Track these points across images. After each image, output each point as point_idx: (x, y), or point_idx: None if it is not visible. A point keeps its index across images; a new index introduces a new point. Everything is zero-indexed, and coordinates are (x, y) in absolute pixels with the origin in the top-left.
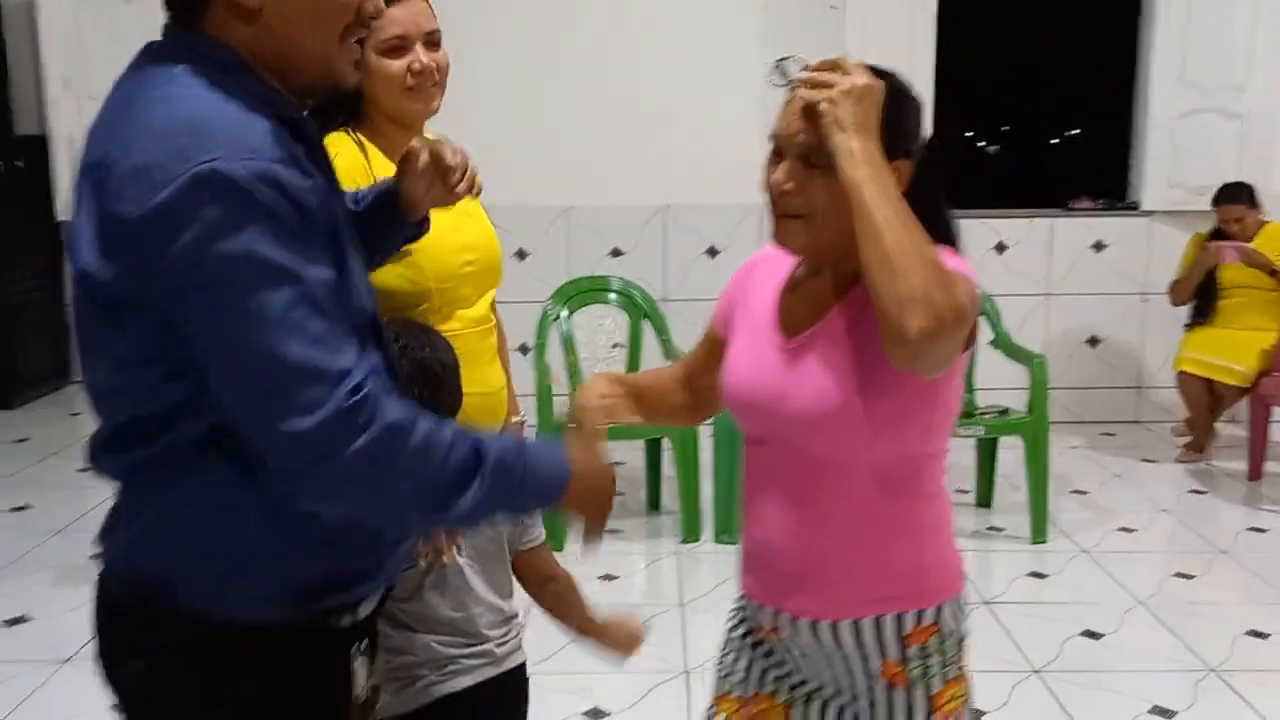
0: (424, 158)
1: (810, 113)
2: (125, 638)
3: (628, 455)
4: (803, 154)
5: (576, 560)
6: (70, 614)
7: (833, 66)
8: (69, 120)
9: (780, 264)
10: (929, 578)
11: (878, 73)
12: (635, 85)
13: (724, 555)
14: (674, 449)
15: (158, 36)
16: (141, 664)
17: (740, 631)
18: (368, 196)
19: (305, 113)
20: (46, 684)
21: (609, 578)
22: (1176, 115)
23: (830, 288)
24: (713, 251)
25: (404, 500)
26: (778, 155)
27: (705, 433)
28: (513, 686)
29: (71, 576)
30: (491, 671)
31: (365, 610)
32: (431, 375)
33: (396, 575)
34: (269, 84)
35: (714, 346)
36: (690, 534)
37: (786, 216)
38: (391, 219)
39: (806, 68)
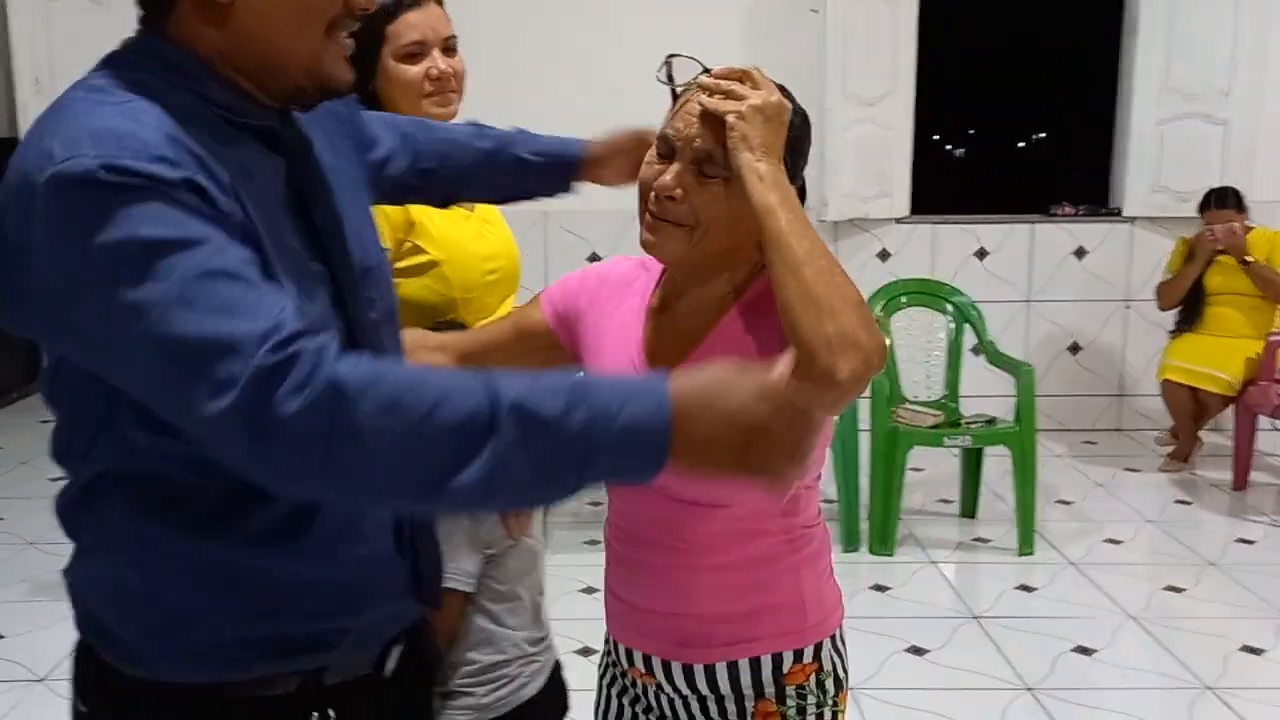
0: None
1: (712, 121)
2: (78, 682)
3: None
4: (697, 160)
5: None
6: (43, 631)
7: (742, 77)
8: None
9: (632, 286)
10: (806, 615)
11: (782, 91)
12: (616, 88)
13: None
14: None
15: (127, 37)
16: (84, 713)
17: (609, 678)
18: (546, 146)
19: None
20: (18, 706)
21: (590, 590)
22: (1159, 121)
23: (699, 314)
24: None
25: (386, 472)
26: (666, 156)
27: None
28: (560, 683)
29: (45, 591)
30: (548, 670)
31: (336, 677)
32: None
33: (387, 637)
34: (241, 90)
35: (532, 336)
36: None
37: (665, 222)
38: (554, 180)
39: (708, 72)
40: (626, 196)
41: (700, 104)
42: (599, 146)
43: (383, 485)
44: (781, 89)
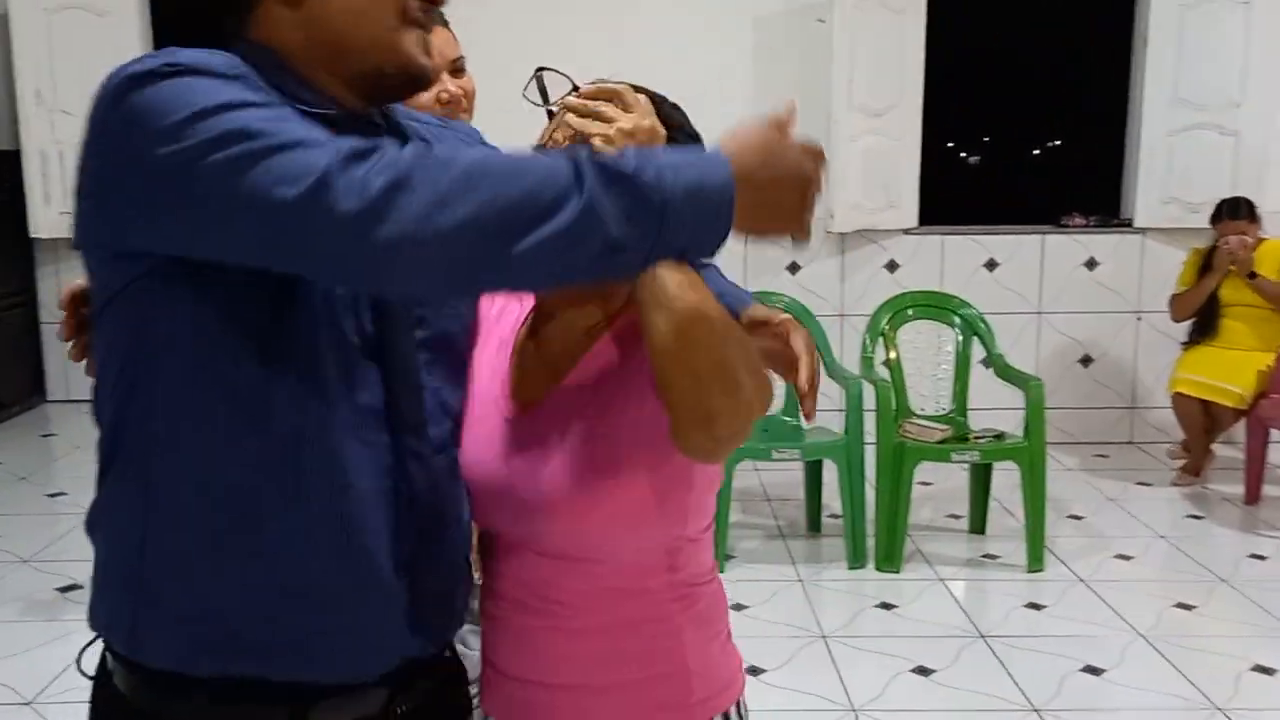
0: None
1: (578, 143)
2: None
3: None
4: None
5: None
6: (34, 652)
7: (611, 96)
8: (41, 135)
9: (505, 315)
10: (691, 689)
11: (663, 107)
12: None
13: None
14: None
15: (130, 50)
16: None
17: None
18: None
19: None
20: None
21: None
22: (1170, 131)
23: (569, 342)
24: (700, 267)
25: (484, 221)
26: None
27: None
28: None
29: (37, 611)
30: None
31: (332, 711)
32: None
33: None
34: (320, 86)
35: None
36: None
37: None
38: None
39: (576, 89)
40: None
41: (570, 123)
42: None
43: (485, 230)
44: (669, 105)
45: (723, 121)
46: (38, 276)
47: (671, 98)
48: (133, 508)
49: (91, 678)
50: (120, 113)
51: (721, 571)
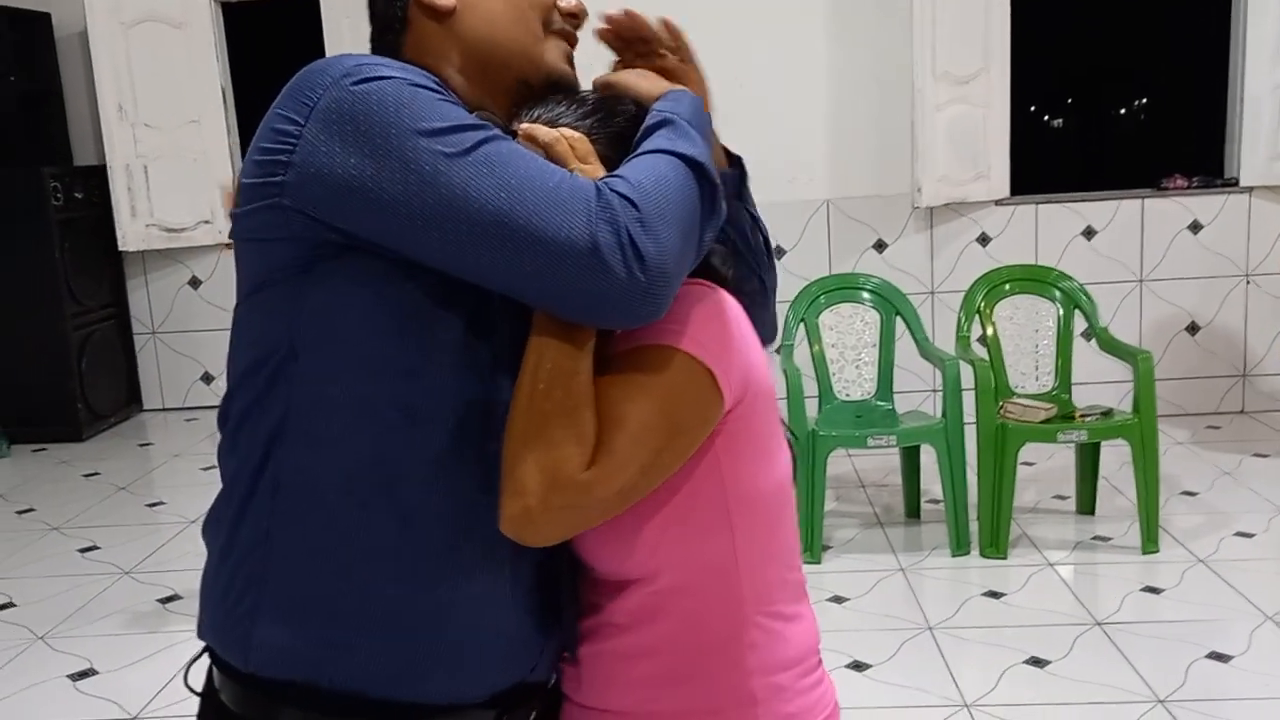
0: None
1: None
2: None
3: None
4: None
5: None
6: (135, 666)
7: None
8: (124, 149)
9: None
10: None
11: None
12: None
13: (809, 577)
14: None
15: (205, 62)
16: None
17: None
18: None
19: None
20: None
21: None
22: (1277, 85)
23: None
24: (780, 251)
25: (690, 225)
26: None
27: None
28: None
29: (139, 624)
30: None
31: None
32: None
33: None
34: (474, 101)
35: None
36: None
37: None
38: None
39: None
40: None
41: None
42: None
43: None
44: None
45: (801, 106)
46: (129, 289)
47: (745, 83)
48: (259, 508)
49: (199, 693)
50: (369, 100)
51: (817, 562)
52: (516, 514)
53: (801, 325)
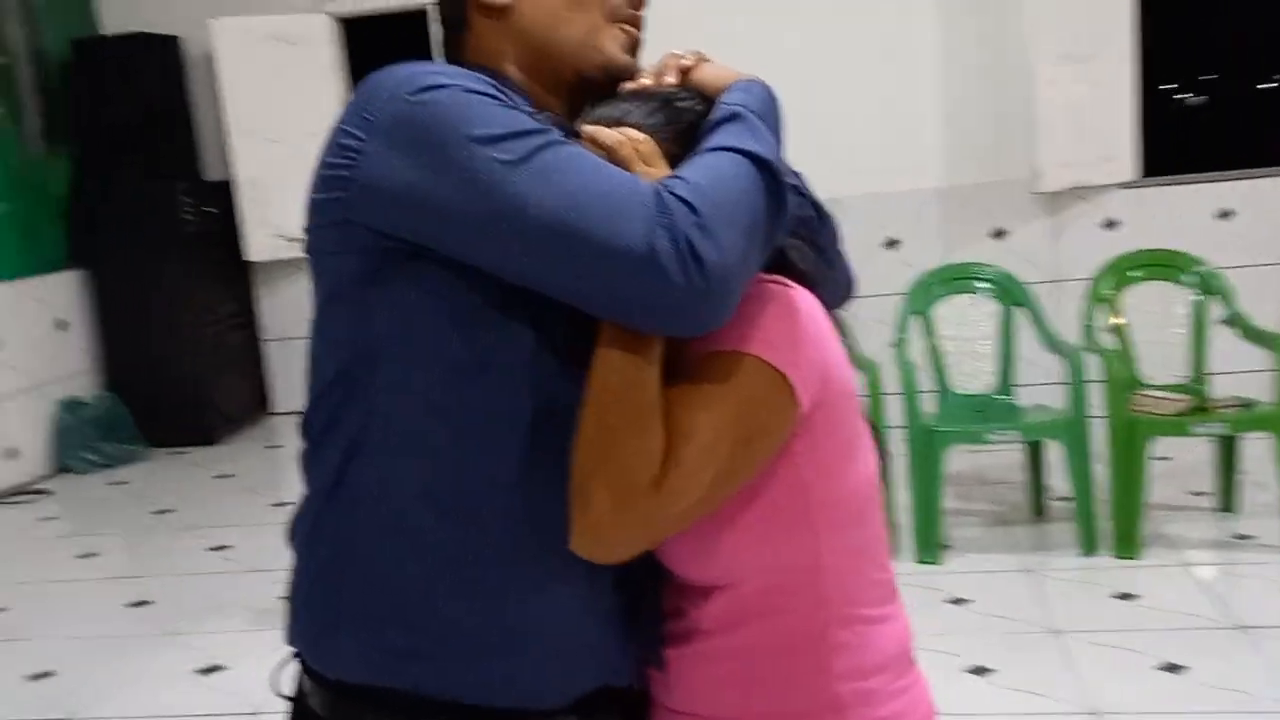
0: None
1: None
2: None
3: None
4: None
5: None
6: (259, 661)
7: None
8: (251, 164)
9: None
10: None
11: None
12: (796, 71)
13: (928, 577)
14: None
15: (324, 77)
16: None
17: None
18: None
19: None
20: None
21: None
22: None
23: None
24: (892, 243)
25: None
26: None
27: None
28: None
29: (263, 619)
30: None
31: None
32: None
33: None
34: (535, 98)
35: None
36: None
37: None
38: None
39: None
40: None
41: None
42: None
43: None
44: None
45: (909, 89)
46: (255, 297)
47: (848, 68)
48: (340, 518)
49: (288, 698)
50: (426, 111)
51: (937, 563)
52: (586, 531)
53: (916, 318)
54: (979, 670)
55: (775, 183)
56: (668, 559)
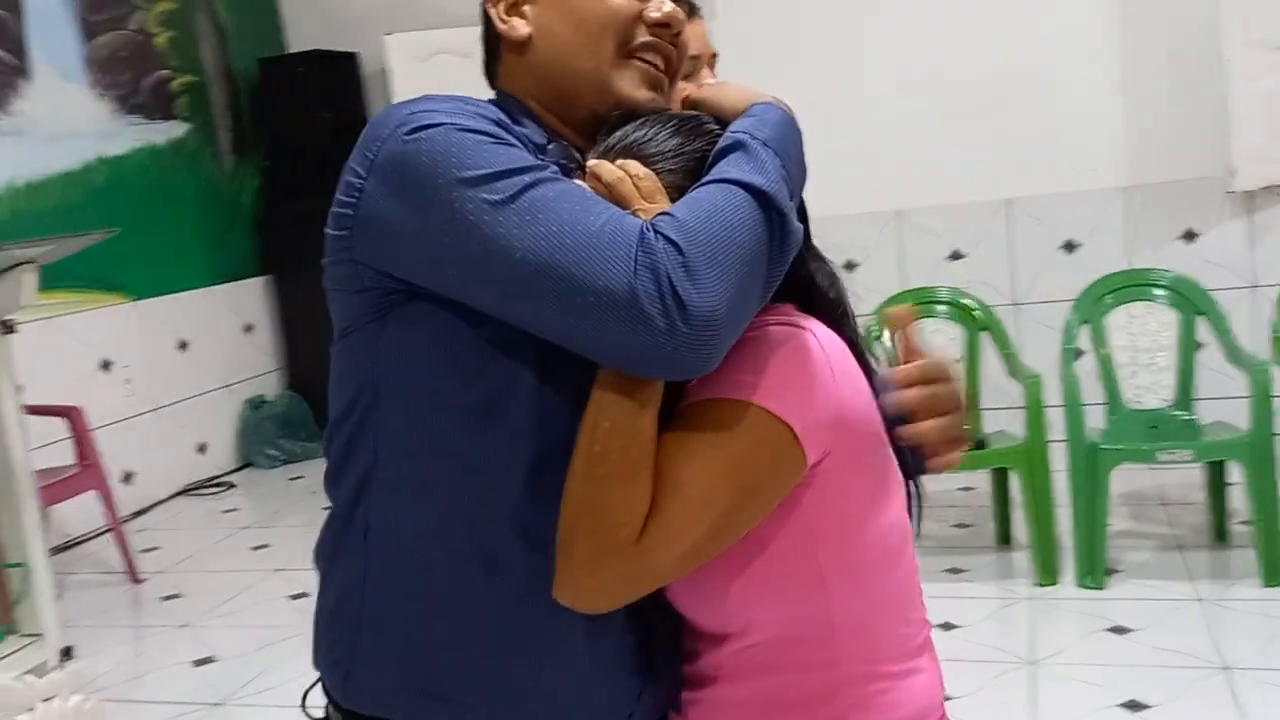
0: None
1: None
2: None
3: (974, 481)
4: None
5: None
6: None
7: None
8: None
9: None
10: None
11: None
12: (964, 66)
13: (1088, 603)
14: (1020, 473)
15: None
16: None
17: None
18: None
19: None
20: None
21: (948, 626)
22: None
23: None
24: (1070, 246)
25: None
26: None
27: (1058, 452)
28: None
29: None
30: None
31: None
32: None
33: None
34: (553, 131)
35: None
36: (1045, 576)
37: None
38: None
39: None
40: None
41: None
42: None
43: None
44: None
45: (1086, 81)
46: None
47: (1020, 59)
48: (354, 548)
49: (317, 719)
50: (419, 152)
51: (1100, 587)
52: (564, 584)
53: (1086, 327)
54: (1134, 705)
55: (777, 216)
56: (676, 602)
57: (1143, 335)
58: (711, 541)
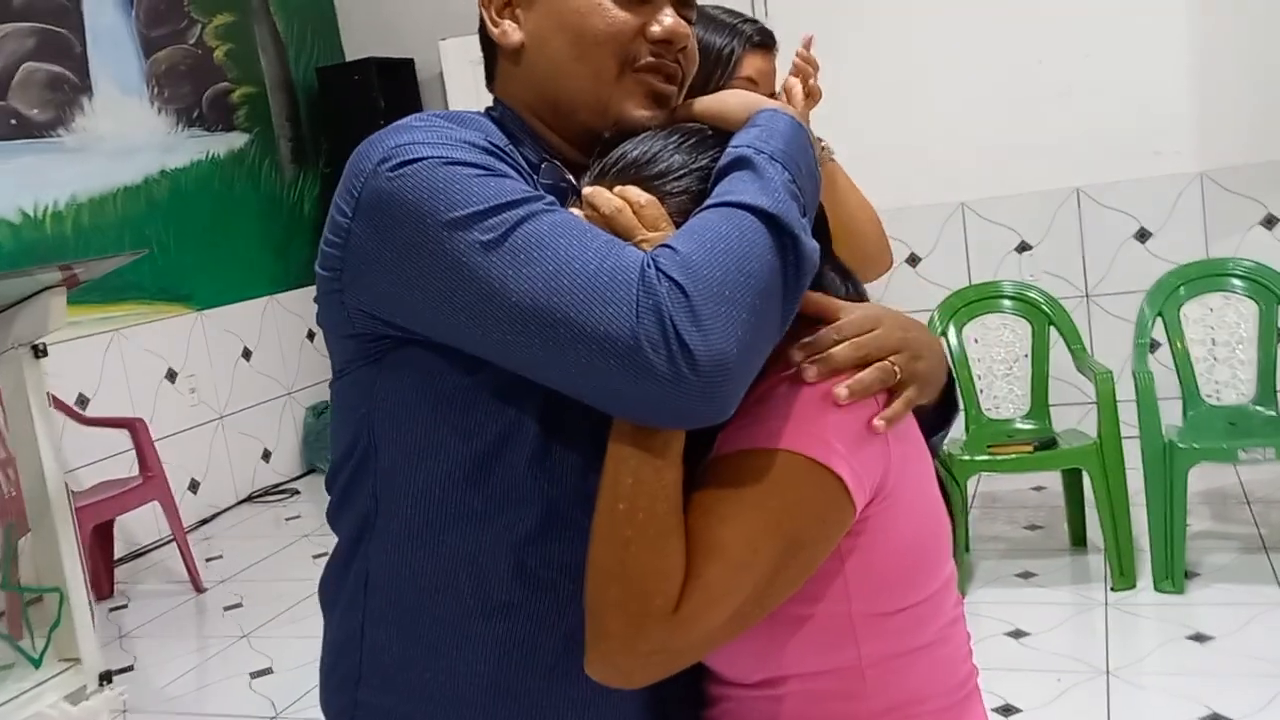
0: None
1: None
2: None
3: (1045, 481)
4: None
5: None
6: None
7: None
8: None
9: None
10: None
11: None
12: (1029, 49)
13: (1167, 609)
14: (1093, 475)
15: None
16: None
17: None
18: None
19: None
20: None
21: (1018, 633)
22: None
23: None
24: (1143, 235)
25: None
26: None
27: (1132, 449)
28: None
29: None
30: None
31: None
32: None
33: None
34: (549, 145)
35: None
36: (1121, 579)
37: None
38: None
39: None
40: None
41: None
42: None
43: (766, 314)
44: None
45: (1156, 62)
46: None
47: (1088, 36)
48: (354, 599)
49: None
50: (403, 190)
51: (1180, 592)
52: (598, 660)
53: (1159, 320)
54: (1216, 718)
55: (789, 239)
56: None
57: (1220, 327)
58: (756, 606)
